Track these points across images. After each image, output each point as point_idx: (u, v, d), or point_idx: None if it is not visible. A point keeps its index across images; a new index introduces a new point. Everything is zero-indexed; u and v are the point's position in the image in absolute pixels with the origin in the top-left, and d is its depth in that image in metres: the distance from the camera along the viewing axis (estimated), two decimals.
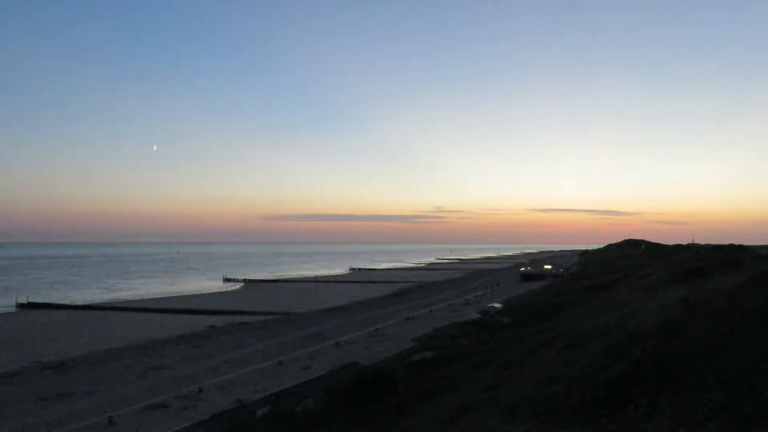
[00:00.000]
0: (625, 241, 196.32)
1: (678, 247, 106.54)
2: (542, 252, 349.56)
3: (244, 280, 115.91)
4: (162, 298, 79.88)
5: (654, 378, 8.47)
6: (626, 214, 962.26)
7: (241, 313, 61.25)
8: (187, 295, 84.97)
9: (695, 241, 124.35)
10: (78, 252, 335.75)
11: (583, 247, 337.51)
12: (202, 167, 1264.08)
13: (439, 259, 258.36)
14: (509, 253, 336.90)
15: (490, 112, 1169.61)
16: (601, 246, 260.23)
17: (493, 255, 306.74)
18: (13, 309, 67.80)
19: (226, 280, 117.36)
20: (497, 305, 50.01)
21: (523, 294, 66.59)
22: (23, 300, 71.52)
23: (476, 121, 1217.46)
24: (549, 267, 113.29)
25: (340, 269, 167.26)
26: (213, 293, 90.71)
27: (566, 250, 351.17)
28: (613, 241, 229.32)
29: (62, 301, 73.99)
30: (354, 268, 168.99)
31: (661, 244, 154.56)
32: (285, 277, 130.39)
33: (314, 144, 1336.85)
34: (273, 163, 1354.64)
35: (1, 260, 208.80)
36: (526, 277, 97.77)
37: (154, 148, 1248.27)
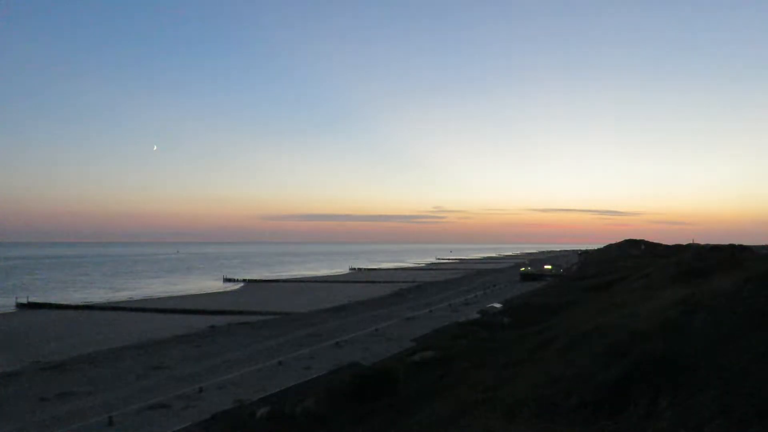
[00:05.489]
0: (625, 241, 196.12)
1: (678, 247, 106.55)
2: (542, 252, 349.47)
3: (244, 280, 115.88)
4: (162, 298, 79.87)
5: (654, 378, 8.47)
6: (626, 214, 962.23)
7: (241, 313, 61.23)
8: (187, 295, 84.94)
9: (695, 241, 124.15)
10: (78, 252, 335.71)
11: (583, 247, 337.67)
12: (202, 167, 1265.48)
13: (439, 259, 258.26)
14: (509, 253, 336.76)
15: (491, 113, 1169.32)
16: (601, 246, 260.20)
17: (493, 255, 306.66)
18: (13, 309, 67.78)
19: (226, 280, 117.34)
20: (497, 305, 49.99)
21: (523, 294, 66.59)
22: (23, 300, 71.53)
23: (476, 122, 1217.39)
24: (549, 267, 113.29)
25: (340, 269, 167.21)
26: (213, 293, 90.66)
27: (566, 250, 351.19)
28: (613, 241, 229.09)
29: (62, 301, 73.98)
30: (354, 268, 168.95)
31: (661, 244, 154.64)
32: (285, 277, 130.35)
33: (314, 144, 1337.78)
34: (273, 163, 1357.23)
35: (3, 260, 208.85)
36: (526, 277, 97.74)
37: (154, 148, 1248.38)
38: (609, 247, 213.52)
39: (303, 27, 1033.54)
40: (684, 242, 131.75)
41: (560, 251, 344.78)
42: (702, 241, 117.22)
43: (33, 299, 73.37)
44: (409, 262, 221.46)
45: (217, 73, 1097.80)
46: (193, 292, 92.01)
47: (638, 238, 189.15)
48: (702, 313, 11.73)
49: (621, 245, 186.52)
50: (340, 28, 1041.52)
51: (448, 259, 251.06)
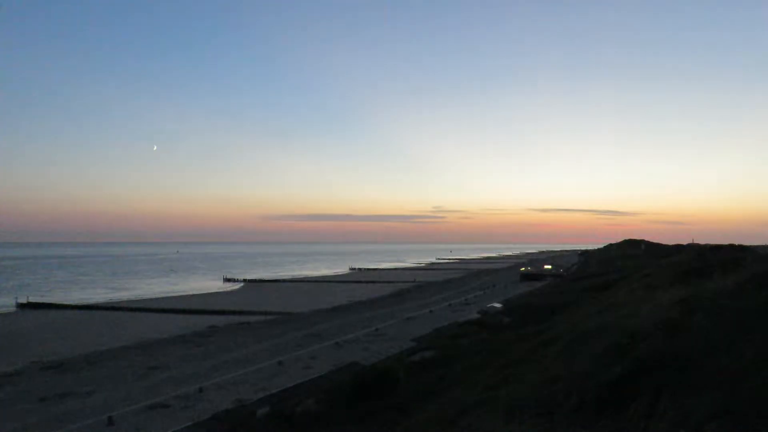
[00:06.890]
0: (625, 241, 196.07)
1: (678, 247, 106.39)
2: (542, 252, 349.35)
3: (244, 280, 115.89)
4: (162, 298, 79.87)
5: (654, 378, 8.47)
6: (626, 214, 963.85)
7: (241, 313, 61.24)
8: (187, 295, 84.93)
9: (695, 241, 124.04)
10: (78, 252, 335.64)
11: (583, 247, 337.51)
12: (202, 167, 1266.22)
13: (439, 259, 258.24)
14: (509, 253, 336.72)
15: (490, 112, 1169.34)
16: (601, 246, 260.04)
17: (493, 255, 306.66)
18: (13, 309, 67.80)
19: (226, 280, 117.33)
20: (497, 305, 49.95)
21: (523, 294, 66.55)
22: (23, 300, 71.52)
23: (476, 122, 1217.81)
24: (549, 267, 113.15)
25: (340, 269, 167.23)
26: (213, 293, 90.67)
27: (566, 250, 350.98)
28: (613, 241, 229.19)
29: (62, 301, 73.98)
30: (354, 268, 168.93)
31: (661, 244, 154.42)
32: (285, 277, 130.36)
33: (314, 144, 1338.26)
34: (273, 163, 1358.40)
35: (6, 260, 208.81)
36: (526, 277, 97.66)
37: (155, 148, 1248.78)
38: (609, 247, 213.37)
39: (303, 27, 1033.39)
40: (684, 242, 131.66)
41: (560, 251, 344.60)
42: (702, 241, 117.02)
43: (33, 299, 73.36)
44: (409, 262, 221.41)
45: (217, 73, 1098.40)
46: (193, 292, 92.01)
47: (638, 238, 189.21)
48: (702, 313, 11.71)
49: (621, 245, 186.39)
50: (340, 28, 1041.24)
51: (448, 259, 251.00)
